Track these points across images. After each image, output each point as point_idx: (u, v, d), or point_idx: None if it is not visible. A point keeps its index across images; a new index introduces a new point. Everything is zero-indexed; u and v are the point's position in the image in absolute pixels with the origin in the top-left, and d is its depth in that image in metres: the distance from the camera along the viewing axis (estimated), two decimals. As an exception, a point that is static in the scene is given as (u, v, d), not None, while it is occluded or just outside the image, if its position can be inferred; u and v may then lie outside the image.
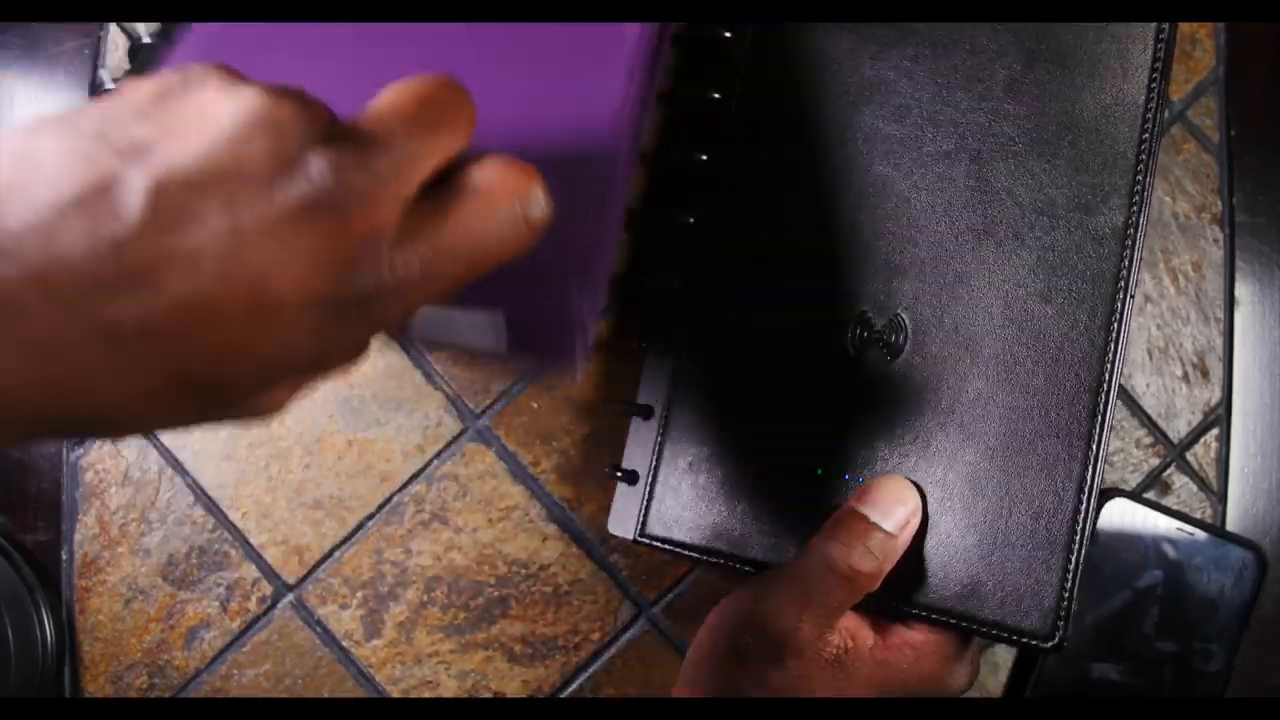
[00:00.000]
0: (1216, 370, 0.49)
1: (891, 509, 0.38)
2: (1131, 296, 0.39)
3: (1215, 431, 0.49)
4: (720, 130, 0.44)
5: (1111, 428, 0.38)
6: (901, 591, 0.39)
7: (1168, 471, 0.48)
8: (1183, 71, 0.50)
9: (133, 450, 0.49)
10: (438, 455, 0.49)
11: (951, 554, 0.39)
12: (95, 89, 0.49)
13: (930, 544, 0.40)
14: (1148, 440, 0.49)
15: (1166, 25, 0.40)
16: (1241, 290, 0.49)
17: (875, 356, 0.41)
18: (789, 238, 0.43)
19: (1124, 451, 0.48)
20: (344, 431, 0.48)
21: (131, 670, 0.48)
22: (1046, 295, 0.40)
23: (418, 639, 0.48)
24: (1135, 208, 0.39)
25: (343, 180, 0.23)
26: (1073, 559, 0.38)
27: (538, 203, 0.26)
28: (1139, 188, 0.39)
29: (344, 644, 0.48)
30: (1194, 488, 0.49)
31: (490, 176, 0.26)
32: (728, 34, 0.45)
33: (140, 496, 0.49)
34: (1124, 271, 0.39)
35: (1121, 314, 0.39)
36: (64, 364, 0.22)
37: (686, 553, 0.43)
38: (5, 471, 0.49)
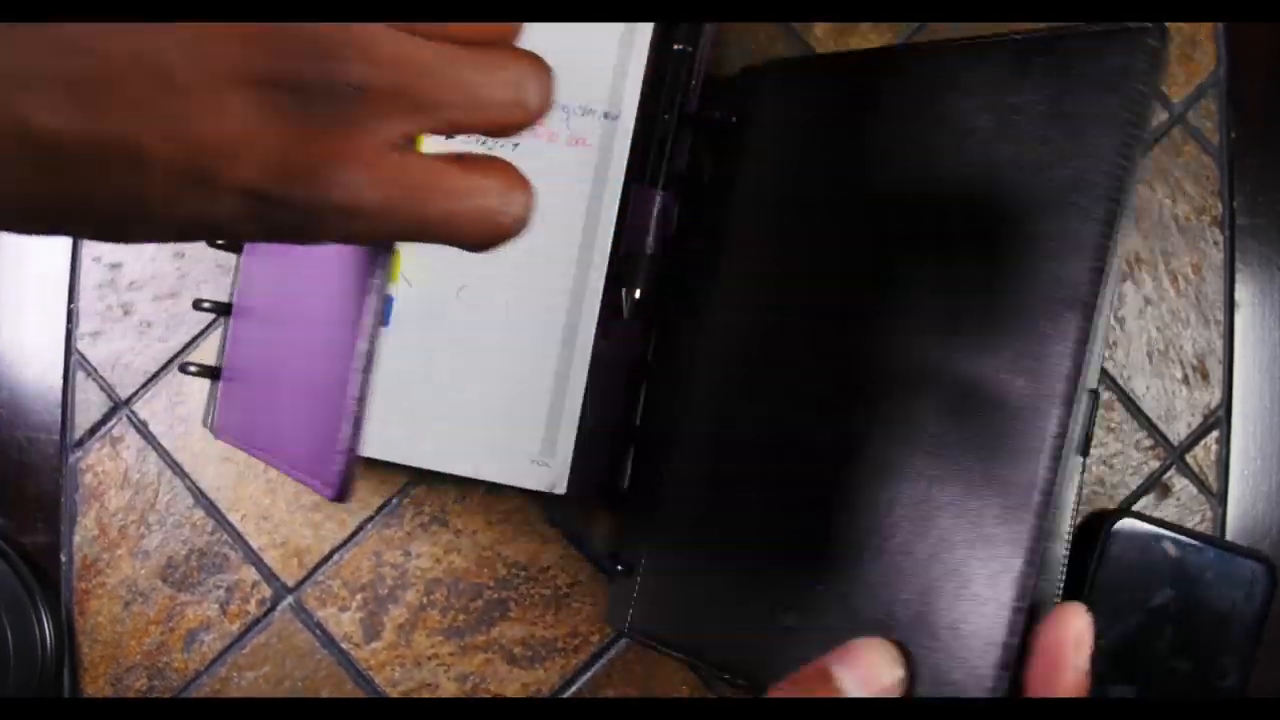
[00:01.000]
0: (1216, 372, 0.49)
1: (866, 676, 0.33)
2: (1093, 392, 0.35)
3: (1215, 434, 0.49)
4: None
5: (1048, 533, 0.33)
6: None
7: (1168, 474, 0.48)
8: (1183, 72, 0.50)
9: (132, 452, 0.49)
10: (437, 457, 0.48)
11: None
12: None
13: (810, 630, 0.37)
14: (1147, 443, 0.48)
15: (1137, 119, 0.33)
16: (1241, 292, 0.49)
17: (838, 451, 0.38)
18: (765, 331, 0.42)
19: (1124, 454, 0.48)
20: (343, 433, 0.48)
21: (131, 672, 0.48)
22: (1001, 393, 0.34)
23: (417, 641, 0.48)
24: (1100, 292, 0.33)
25: (331, 98, 0.23)
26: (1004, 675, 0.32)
27: (522, 208, 0.26)
28: (1105, 268, 0.33)
29: (343, 646, 0.48)
30: (1194, 490, 0.48)
31: (491, 163, 0.26)
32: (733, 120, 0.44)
33: (139, 499, 0.49)
34: (1085, 359, 0.33)
35: (1071, 417, 0.33)
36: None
37: (674, 652, 0.43)
38: (5, 473, 0.49)
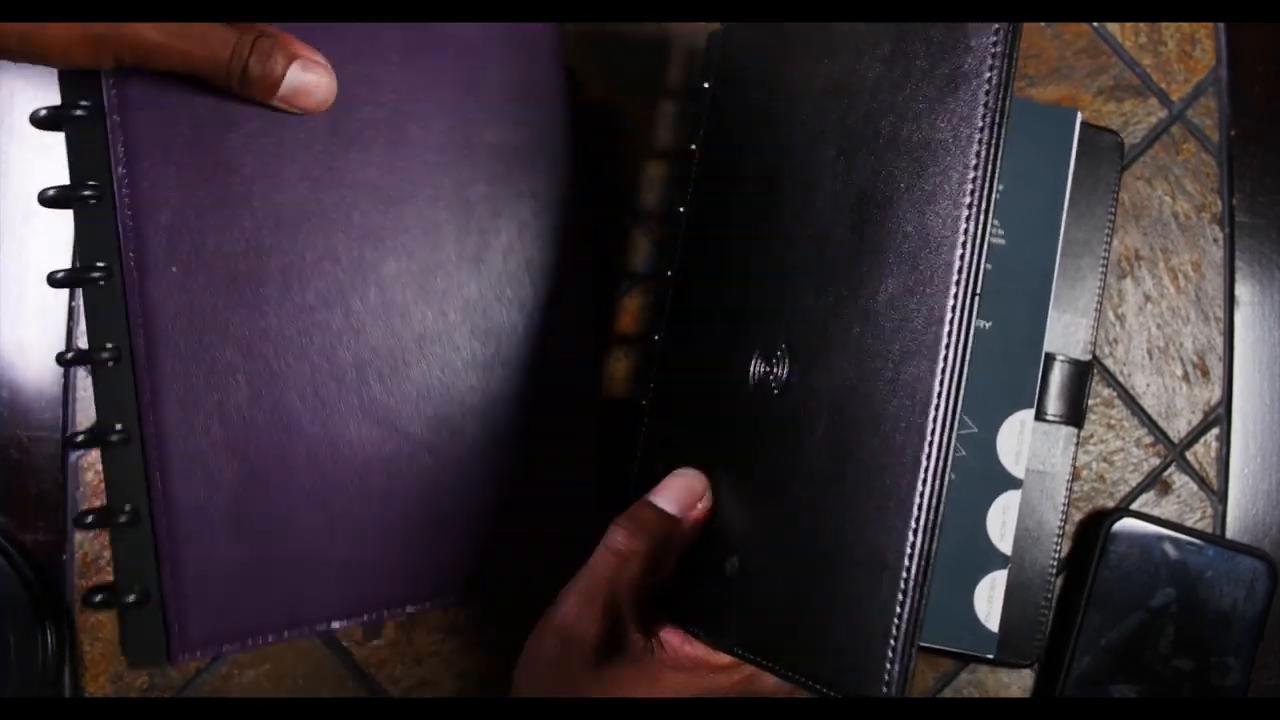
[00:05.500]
0: (1217, 370, 0.49)
1: (675, 495, 0.39)
2: (1085, 363, 0.37)
3: (1215, 431, 0.49)
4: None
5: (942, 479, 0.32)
6: (721, 626, 0.37)
7: (1168, 471, 0.49)
8: (1183, 71, 0.50)
9: (133, 450, 0.49)
10: (438, 455, 0.48)
11: (771, 592, 0.36)
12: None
13: (754, 580, 0.37)
14: (1148, 440, 0.49)
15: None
16: (1241, 290, 0.49)
17: (765, 389, 0.38)
18: (712, 278, 0.43)
19: (1124, 451, 0.49)
20: (344, 432, 0.48)
21: (132, 670, 0.48)
22: (889, 335, 0.34)
23: (418, 639, 0.48)
24: (977, 230, 0.32)
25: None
26: (902, 608, 0.32)
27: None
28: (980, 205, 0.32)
29: (344, 644, 0.48)
30: (1194, 487, 0.49)
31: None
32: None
33: (140, 497, 0.49)
34: (961, 301, 0.32)
35: (959, 353, 0.32)
36: None
37: None
38: (6, 472, 0.49)
